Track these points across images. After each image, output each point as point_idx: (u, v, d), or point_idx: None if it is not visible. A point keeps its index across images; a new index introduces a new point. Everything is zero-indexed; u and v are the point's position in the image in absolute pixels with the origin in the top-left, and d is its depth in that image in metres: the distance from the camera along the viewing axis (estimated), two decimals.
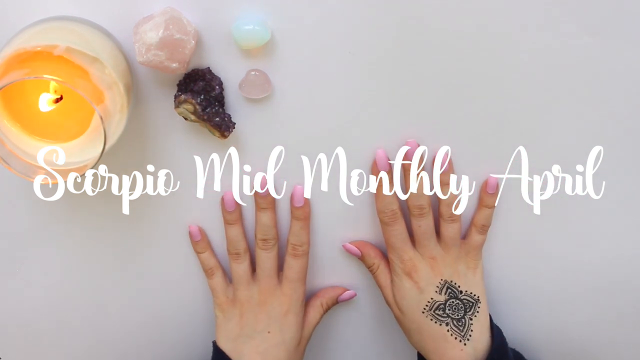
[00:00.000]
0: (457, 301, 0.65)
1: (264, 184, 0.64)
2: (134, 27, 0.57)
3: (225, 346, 0.66)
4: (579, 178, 0.66)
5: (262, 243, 0.65)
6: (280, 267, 0.67)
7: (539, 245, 0.69)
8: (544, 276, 0.70)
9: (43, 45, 0.50)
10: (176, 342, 0.72)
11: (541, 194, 0.67)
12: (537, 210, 0.67)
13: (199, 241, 0.67)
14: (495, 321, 0.68)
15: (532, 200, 0.67)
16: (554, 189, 0.66)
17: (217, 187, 0.65)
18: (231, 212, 0.65)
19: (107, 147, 0.52)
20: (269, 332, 0.66)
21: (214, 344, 0.67)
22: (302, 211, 0.65)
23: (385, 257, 0.67)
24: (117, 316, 0.71)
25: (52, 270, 0.68)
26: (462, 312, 0.65)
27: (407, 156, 0.64)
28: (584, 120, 0.64)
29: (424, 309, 0.65)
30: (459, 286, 0.65)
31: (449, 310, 0.64)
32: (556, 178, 0.66)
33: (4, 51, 0.51)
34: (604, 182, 0.66)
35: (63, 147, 0.55)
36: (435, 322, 0.64)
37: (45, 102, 0.54)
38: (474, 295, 0.66)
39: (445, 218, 0.65)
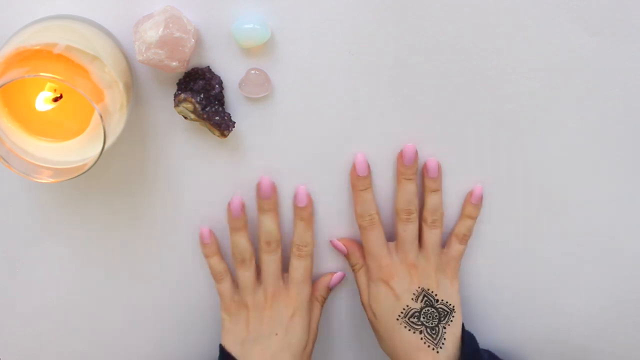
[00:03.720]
0: (433, 309, 0.64)
1: (266, 186, 0.64)
2: (134, 25, 0.57)
3: (232, 349, 0.65)
4: (579, 178, 0.66)
5: (265, 246, 0.65)
6: (285, 269, 0.67)
7: (538, 245, 0.69)
8: (544, 276, 0.70)
9: (43, 43, 0.50)
10: (178, 343, 0.72)
11: (541, 195, 0.67)
12: (536, 211, 0.67)
13: (208, 244, 0.66)
14: (494, 322, 0.68)
15: (531, 201, 0.67)
16: (553, 189, 0.66)
17: (216, 187, 0.65)
18: (237, 219, 0.64)
19: (106, 145, 0.52)
20: (276, 335, 0.65)
21: (221, 347, 0.66)
22: (306, 211, 0.65)
23: None
24: (117, 317, 0.71)
25: (52, 270, 0.68)
26: (437, 320, 0.64)
27: (404, 159, 0.63)
28: (584, 120, 0.64)
29: (399, 315, 0.64)
30: (435, 294, 0.65)
31: (423, 318, 0.64)
32: (556, 178, 0.66)
33: (4, 49, 0.51)
34: (604, 182, 0.66)
35: (63, 146, 0.56)
36: (409, 330, 0.64)
37: (42, 101, 0.54)
38: (450, 304, 0.65)
39: (428, 223, 0.65)
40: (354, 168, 0.64)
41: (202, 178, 0.64)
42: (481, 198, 0.66)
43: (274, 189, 0.64)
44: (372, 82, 0.62)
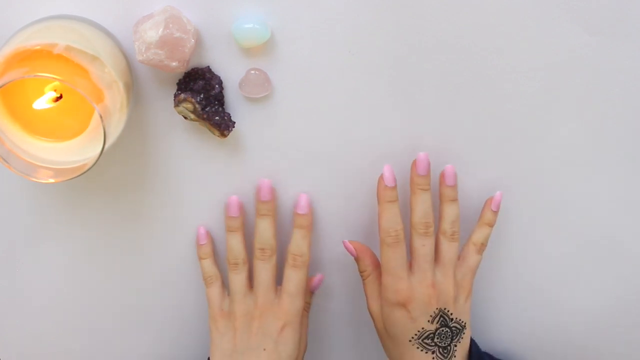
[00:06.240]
0: (447, 329, 0.62)
1: (266, 188, 0.63)
2: (134, 25, 0.57)
3: None
4: (579, 178, 0.66)
5: (259, 253, 0.63)
6: (279, 280, 0.65)
7: (539, 244, 0.69)
8: (544, 276, 0.70)
9: (43, 43, 0.50)
10: (178, 343, 0.72)
11: (541, 194, 0.67)
12: (536, 211, 0.67)
13: (203, 245, 0.65)
14: (494, 321, 0.68)
15: (532, 201, 0.67)
16: (553, 189, 0.66)
17: (216, 187, 0.65)
18: (234, 219, 0.63)
19: (106, 146, 0.52)
20: (264, 350, 0.63)
21: None
22: (305, 219, 0.63)
23: (379, 266, 0.65)
24: (117, 317, 0.71)
25: (52, 270, 0.68)
26: (449, 339, 0.62)
27: (418, 169, 0.62)
28: (584, 120, 0.64)
29: (412, 337, 0.62)
30: (451, 313, 0.62)
31: (437, 339, 0.62)
32: (555, 178, 0.66)
33: (4, 50, 0.51)
34: (604, 182, 0.66)
35: (63, 146, 0.56)
36: (422, 350, 0.62)
37: (44, 101, 0.54)
38: (462, 321, 0.63)
39: (447, 236, 0.62)
40: (381, 178, 0.62)
41: (202, 178, 0.64)
42: (499, 204, 0.64)
43: (273, 192, 0.63)
44: (372, 82, 0.62)
